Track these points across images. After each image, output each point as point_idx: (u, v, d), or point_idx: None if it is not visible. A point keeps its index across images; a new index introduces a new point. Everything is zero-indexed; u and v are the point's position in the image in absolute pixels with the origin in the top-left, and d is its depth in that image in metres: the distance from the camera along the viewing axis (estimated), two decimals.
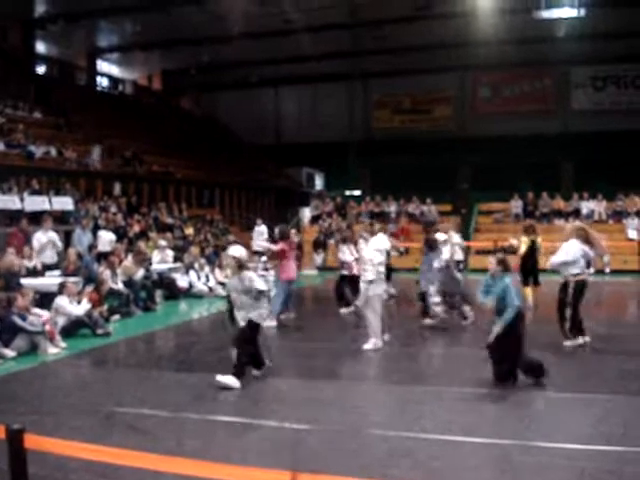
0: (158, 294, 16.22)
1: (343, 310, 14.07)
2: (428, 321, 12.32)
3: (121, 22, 31.74)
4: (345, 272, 14.18)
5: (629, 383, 8.25)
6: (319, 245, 25.68)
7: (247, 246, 16.20)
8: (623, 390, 7.93)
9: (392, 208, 28.07)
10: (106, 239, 17.73)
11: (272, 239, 16.19)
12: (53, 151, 22.89)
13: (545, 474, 5.61)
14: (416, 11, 29.07)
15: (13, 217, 17.42)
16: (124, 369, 9.94)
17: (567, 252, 10.27)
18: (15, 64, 29.52)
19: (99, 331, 11.93)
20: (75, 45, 35.18)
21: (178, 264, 18.00)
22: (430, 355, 10.97)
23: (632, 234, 23.82)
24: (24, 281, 12.68)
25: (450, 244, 13.40)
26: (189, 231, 23.27)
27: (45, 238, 15.32)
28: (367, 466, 5.73)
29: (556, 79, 37.46)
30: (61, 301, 11.75)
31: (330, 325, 13.49)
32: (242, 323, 8.50)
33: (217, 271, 18.29)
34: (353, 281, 13.12)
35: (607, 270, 21.77)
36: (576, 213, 25.73)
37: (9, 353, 10.14)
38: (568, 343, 10.27)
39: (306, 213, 32.39)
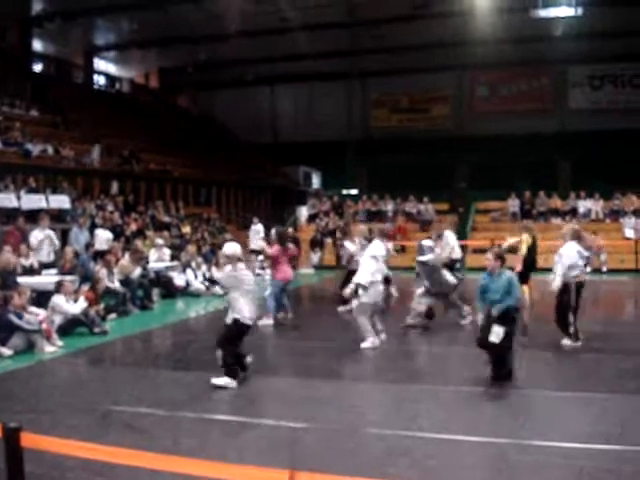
0: (155, 293, 16.20)
1: (340, 308, 14.07)
2: (410, 320, 12.28)
3: (118, 20, 31.70)
4: (354, 267, 14.13)
5: (626, 382, 8.25)
6: (316, 244, 25.69)
7: (244, 245, 16.18)
8: (621, 389, 7.93)
9: (389, 207, 28.09)
10: (103, 237, 17.72)
11: (268, 239, 16.16)
12: (50, 149, 22.86)
13: (542, 473, 5.60)
14: (414, 10, 29.08)
15: (10, 215, 17.38)
16: (121, 368, 9.92)
17: (568, 256, 10.28)
18: (12, 62, 29.46)
19: (96, 330, 11.91)
20: (72, 43, 35.12)
21: (175, 262, 18.00)
22: (427, 354, 10.97)
23: (629, 233, 23.86)
24: (21, 279, 12.66)
25: (446, 244, 13.39)
26: (186, 229, 23.26)
27: (42, 235, 15.31)
28: (364, 465, 5.73)
29: (553, 78, 37.46)
30: (58, 300, 11.73)
31: (327, 324, 13.49)
32: (228, 321, 8.38)
33: (214, 269, 18.24)
34: None
35: (604, 269, 21.85)
36: (573, 212, 25.77)
37: (6, 352, 10.13)
38: (568, 343, 10.27)
39: (303, 212, 32.41)
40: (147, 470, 4.37)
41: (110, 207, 21.28)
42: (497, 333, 8.09)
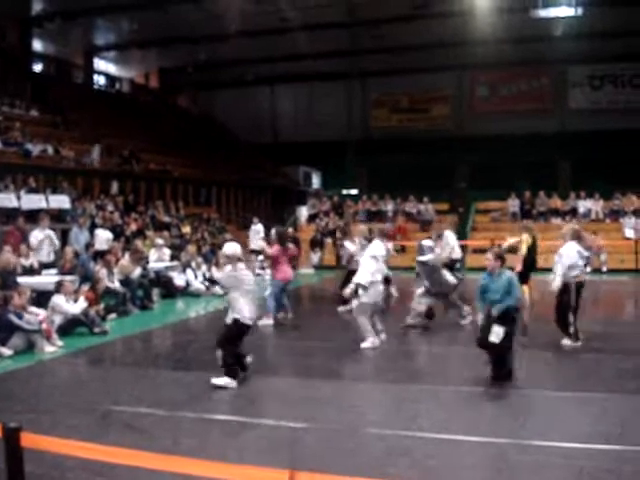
0: (155, 293, 16.19)
1: (340, 308, 14.07)
2: (410, 320, 12.30)
3: (118, 20, 31.70)
4: (354, 267, 14.14)
5: (626, 382, 8.25)
6: (316, 244, 25.70)
7: (244, 245, 16.18)
8: (620, 389, 7.93)
9: (389, 207, 28.10)
10: (103, 237, 17.72)
11: (268, 239, 16.15)
12: (50, 149, 22.85)
13: (542, 473, 5.60)
14: (414, 10, 29.07)
15: (10, 215, 17.37)
16: (121, 368, 9.92)
17: (568, 256, 10.28)
18: (12, 62, 29.45)
19: (96, 330, 11.91)
20: (72, 43, 35.12)
21: (175, 263, 18.00)
22: (427, 354, 10.96)
23: (629, 233, 23.86)
24: (21, 279, 12.66)
25: (446, 244, 13.40)
26: (186, 229, 23.25)
27: (42, 235, 15.31)
28: (364, 465, 5.73)
29: (553, 78, 37.46)
30: (58, 300, 11.73)
31: (327, 324, 13.49)
32: (228, 321, 8.38)
33: (214, 269, 18.23)
34: None
35: (604, 269, 21.85)
36: (573, 212, 25.77)
37: (6, 352, 10.13)
38: (568, 343, 10.27)
39: (303, 212, 32.41)
40: (147, 470, 4.36)
41: (110, 207, 21.28)
42: (497, 333, 8.09)
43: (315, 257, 25.28)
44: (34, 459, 4.72)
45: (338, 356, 10.18)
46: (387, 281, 12.57)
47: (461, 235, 23.86)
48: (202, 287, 17.47)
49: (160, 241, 18.59)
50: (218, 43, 33.32)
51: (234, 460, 5.22)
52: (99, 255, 16.32)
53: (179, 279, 17.34)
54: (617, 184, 26.63)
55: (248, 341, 8.74)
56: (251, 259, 19.01)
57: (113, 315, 13.71)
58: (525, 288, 13.72)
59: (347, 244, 14.97)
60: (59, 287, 11.93)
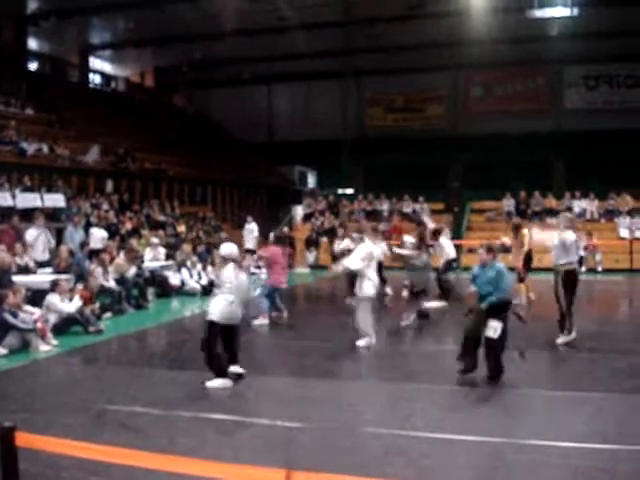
0: (150, 292, 16.18)
1: (349, 300, 14.04)
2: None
3: (114, 19, 31.62)
4: None
5: (621, 381, 8.26)
6: (311, 243, 25.71)
7: (239, 244, 16.17)
8: (616, 388, 7.94)
9: (384, 206, 28.10)
10: (98, 236, 17.69)
11: (265, 238, 16.14)
12: (45, 148, 22.78)
13: (538, 472, 5.61)
14: (409, 10, 29.06)
15: (4, 214, 17.31)
16: (116, 367, 9.90)
17: (571, 242, 10.28)
18: (7, 60, 29.35)
19: (91, 329, 11.89)
20: (67, 42, 35.05)
21: (170, 262, 17.97)
22: (422, 353, 10.95)
23: (624, 233, 23.90)
24: (16, 278, 12.62)
25: (441, 250, 13.60)
26: (181, 229, 23.22)
27: (37, 232, 15.31)
28: (360, 463, 5.72)
29: (549, 78, 37.49)
30: (52, 298, 11.71)
31: (322, 323, 13.50)
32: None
33: (209, 269, 18.25)
34: None
35: (599, 269, 21.91)
36: (568, 212, 25.76)
37: (0, 351, 10.11)
38: (563, 339, 10.28)
39: (298, 211, 32.36)
40: (142, 469, 4.36)
41: (105, 206, 21.22)
42: (494, 328, 8.04)
43: (311, 256, 25.29)
44: (29, 458, 4.70)
45: (333, 355, 10.18)
46: (382, 280, 12.61)
47: (456, 235, 23.92)
48: (197, 286, 17.43)
49: (155, 240, 18.55)
50: (214, 42, 33.27)
51: (230, 459, 5.20)
52: (94, 254, 16.29)
53: (174, 278, 17.31)
54: (612, 184, 26.68)
55: (243, 341, 8.74)
56: (246, 258, 18.99)
57: (108, 314, 13.70)
58: (522, 287, 13.81)
59: (346, 242, 15.01)
60: (54, 286, 11.91)
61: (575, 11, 27.79)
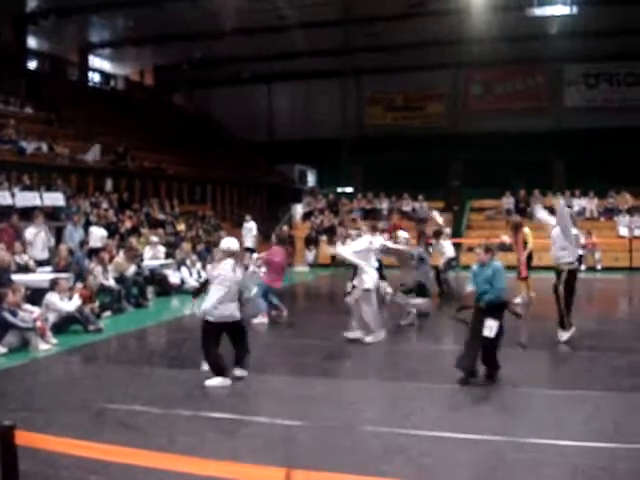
0: (150, 290, 16.18)
1: (349, 299, 14.06)
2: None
3: (113, 17, 31.59)
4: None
5: (620, 380, 8.26)
6: (311, 242, 25.70)
7: (240, 242, 16.16)
8: (614, 387, 7.94)
9: (384, 205, 28.09)
10: (97, 235, 17.66)
11: (264, 237, 16.14)
12: (44, 147, 22.76)
13: (538, 471, 5.61)
14: (409, 8, 29.05)
15: (4, 213, 17.29)
16: (115, 365, 9.90)
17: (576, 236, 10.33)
18: (6, 59, 29.31)
19: (90, 327, 11.89)
20: (67, 40, 35.01)
21: (170, 260, 17.98)
22: (422, 352, 10.94)
23: (623, 231, 23.89)
24: (15, 277, 12.62)
25: (440, 251, 13.66)
26: (181, 227, 23.20)
27: (36, 230, 15.32)
28: (360, 462, 5.72)
29: (549, 76, 37.48)
30: (52, 297, 11.71)
31: (322, 322, 13.50)
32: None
33: (209, 267, 18.22)
34: None
35: (598, 267, 21.92)
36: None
37: (0, 349, 10.10)
38: (563, 336, 10.28)
39: (298, 210, 32.34)
40: (142, 468, 4.36)
41: (105, 204, 21.20)
42: (490, 327, 8.03)
43: (310, 255, 25.28)
44: (28, 457, 4.70)
45: (333, 354, 10.19)
46: (381, 277, 12.63)
47: (456, 233, 23.93)
48: (197, 285, 17.40)
49: (155, 239, 18.55)
50: (214, 41, 33.22)
51: (229, 458, 5.20)
52: (94, 252, 16.28)
53: (174, 277, 17.32)
54: (612, 182, 26.65)
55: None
56: (246, 257, 18.98)
57: (108, 313, 13.70)
58: (523, 285, 13.81)
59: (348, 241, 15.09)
60: (54, 285, 11.91)
61: (575, 9, 27.81)
